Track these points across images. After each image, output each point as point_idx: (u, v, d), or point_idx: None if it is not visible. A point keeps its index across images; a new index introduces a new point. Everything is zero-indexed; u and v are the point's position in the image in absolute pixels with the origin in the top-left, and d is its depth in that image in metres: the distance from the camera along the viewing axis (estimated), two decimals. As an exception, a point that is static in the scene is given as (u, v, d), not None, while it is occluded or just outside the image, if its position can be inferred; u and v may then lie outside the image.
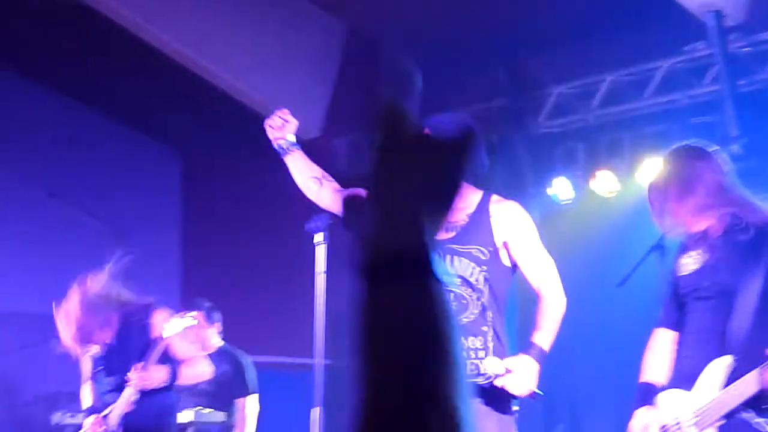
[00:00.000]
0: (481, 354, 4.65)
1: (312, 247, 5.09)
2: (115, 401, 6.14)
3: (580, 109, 9.12)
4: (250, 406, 7.67)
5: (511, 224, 4.84)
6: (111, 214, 9.87)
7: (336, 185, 5.04)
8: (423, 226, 2.72)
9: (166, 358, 6.21)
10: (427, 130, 3.54)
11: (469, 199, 4.83)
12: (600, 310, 8.15)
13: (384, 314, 2.67)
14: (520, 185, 8.63)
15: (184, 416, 7.32)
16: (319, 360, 5.10)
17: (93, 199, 10.01)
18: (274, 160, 9.87)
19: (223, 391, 7.61)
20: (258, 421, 7.79)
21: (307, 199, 5.06)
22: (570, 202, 9.03)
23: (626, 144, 8.82)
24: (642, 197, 4.85)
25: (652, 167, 7.39)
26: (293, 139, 5.15)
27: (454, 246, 4.72)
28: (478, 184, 4.84)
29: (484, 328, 4.70)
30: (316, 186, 5.05)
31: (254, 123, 10.07)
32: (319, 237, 5.06)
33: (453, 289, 4.57)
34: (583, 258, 8.16)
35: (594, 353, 8.80)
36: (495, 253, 4.78)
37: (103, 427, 6.14)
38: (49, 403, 8.95)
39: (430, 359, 2.61)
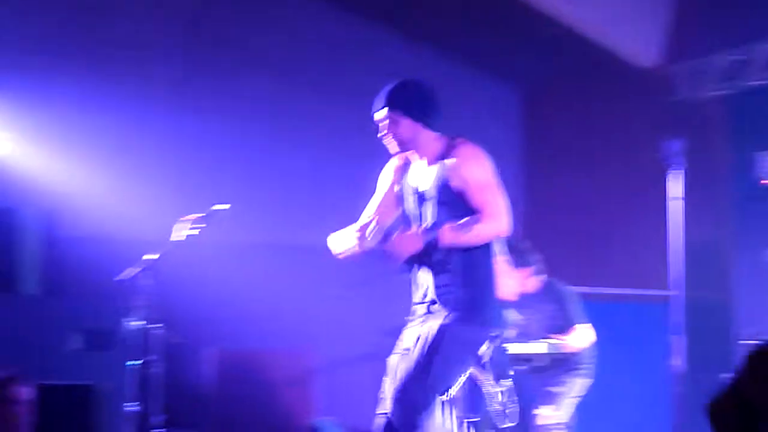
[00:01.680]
0: None
1: (663, 173, 4.89)
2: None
3: None
4: (579, 337, 7.57)
5: None
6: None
7: None
8: None
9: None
10: None
11: None
12: None
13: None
14: None
15: (526, 347, 7.37)
16: (677, 291, 4.94)
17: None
18: (616, 84, 9.63)
19: (550, 325, 7.58)
20: (606, 354, 7.69)
21: (660, 124, 4.87)
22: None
23: None
24: None
25: None
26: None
27: None
28: None
29: None
30: None
31: (593, 51, 9.97)
32: (674, 161, 4.86)
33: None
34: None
35: None
36: None
37: None
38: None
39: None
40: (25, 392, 5.61)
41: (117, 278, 6.80)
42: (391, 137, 5.03)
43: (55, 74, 9.29)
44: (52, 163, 8.75)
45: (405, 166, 5.17)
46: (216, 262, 9.29)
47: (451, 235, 4.84)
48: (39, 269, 7.50)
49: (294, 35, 10.44)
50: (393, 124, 5.01)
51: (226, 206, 7.02)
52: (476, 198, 4.90)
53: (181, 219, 6.85)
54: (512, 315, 7.50)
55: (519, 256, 7.64)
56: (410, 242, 4.86)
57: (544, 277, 7.74)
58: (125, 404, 7.04)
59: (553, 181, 10.91)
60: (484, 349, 4.96)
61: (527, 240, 7.97)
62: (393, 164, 5.22)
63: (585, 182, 10.46)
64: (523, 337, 7.53)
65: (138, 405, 7.35)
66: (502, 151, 11.06)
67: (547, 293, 7.68)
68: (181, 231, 6.85)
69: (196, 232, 6.90)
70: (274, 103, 10.23)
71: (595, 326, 7.57)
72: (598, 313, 7.76)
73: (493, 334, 4.94)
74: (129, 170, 9.44)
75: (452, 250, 4.87)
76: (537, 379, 7.52)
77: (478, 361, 5.07)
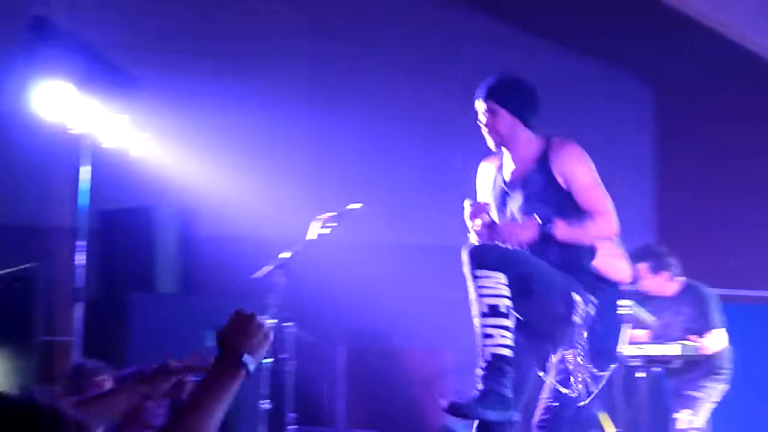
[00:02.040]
0: None
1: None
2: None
3: None
4: (715, 341, 7.44)
5: None
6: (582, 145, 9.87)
7: None
8: None
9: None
10: None
11: None
12: None
13: None
14: None
15: (667, 349, 7.28)
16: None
17: (566, 131, 10.02)
18: (753, 84, 9.44)
19: (688, 327, 7.47)
20: (742, 356, 7.56)
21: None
22: None
23: None
24: None
25: None
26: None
27: None
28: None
29: None
30: None
31: (729, 49, 9.78)
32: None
33: None
34: None
35: None
36: None
37: None
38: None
39: None
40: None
41: (252, 276, 6.90)
42: (487, 130, 5.04)
43: (193, 73, 9.46)
44: (189, 162, 8.90)
45: (499, 166, 5.15)
46: (348, 262, 9.34)
47: (564, 231, 4.84)
48: (176, 268, 7.64)
49: (421, 31, 10.45)
50: (491, 116, 5.02)
51: (359, 206, 7.07)
52: (582, 198, 4.89)
53: (315, 218, 6.92)
54: (647, 317, 7.42)
55: (657, 260, 7.57)
56: (526, 230, 4.85)
57: (683, 280, 7.64)
58: (258, 401, 7.14)
59: (689, 183, 10.75)
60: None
61: (664, 243, 7.88)
62: (487, 164, 5.21)
63: (720, 183, 10.29)
64: (659, 339, 7.44)
65: (270, 402, 7.45)
66: (633, 150, 11.01)
67: (687, 296, 7.58)
68: (314, 230, 6.92)
69: (328, 231, 6.97)
70: (412, 100, 10.25)
71: (731, 328, 7.44)
72: (734, 316, 7.64)
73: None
74: (264, 169, 9.55)
75: (552, 246, 4.86)
76: (675, 383, 7.44)
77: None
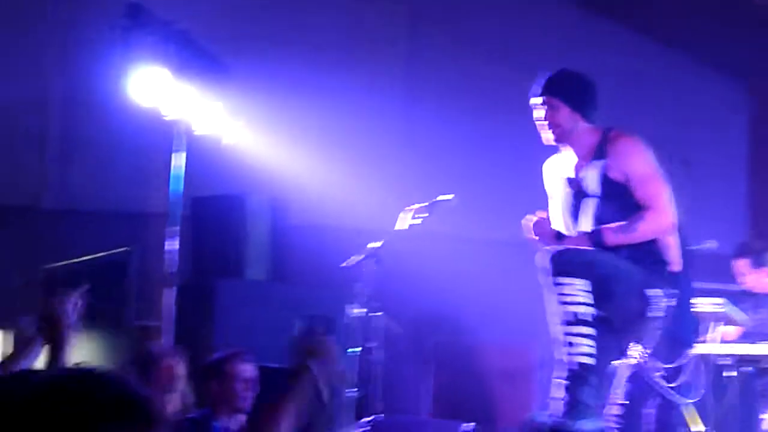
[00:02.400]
0: None
1: None
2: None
3: None
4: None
5: None
6: (678, 145, 9.77)
7: None
8: None
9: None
10: None
11: None
12: None
13: None
14: None
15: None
16: None
17: (659, 130, 9.93)
18: None
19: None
20: None
21: None
22: None
23: None
24: None
25: None
26: None
27: None
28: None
29: None
30: None
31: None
32: None
33: None
34: None
35: None
36: None
37: None
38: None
39: None
40: (248, 370, 5.76)
41: (342, 266, 6.93)
42: (547, 125, 4.98)
43: (287, 62, 9.52)
44: (282, 151, 8.96)
45: (561, 163, 5.09)
46: (438, 254, 9.34)
47: (612, 237, 4.81)
48: (266, 256, 7.69)
49: (527, 25, 10.40)
50: (551, 111, 4.96)
51: (451, 197, 7.06)
52: (639, 191, 4.83)
53: (406, 208, 6.92)
54: (740, 315, 7.30)
55: (757, 255, 7.46)
56: (578, 244, 4.83)
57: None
58: (346, 390, 7.17)
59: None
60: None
61: (763, 239, 7.77)
62: (551, 162, 5.16)
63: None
64: (752, 337, 7.33)
65: (357, 391, 7.48)
66: (728, 146, 10.85)
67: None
68: (404, 220, 6.93)
69: (419, 221, 6.97)
70: (511, 94, 10.20)
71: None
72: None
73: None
74: (357, 159, 9.58)
75: (619, 247, 4.81)
76: (763, 382, 7.32)
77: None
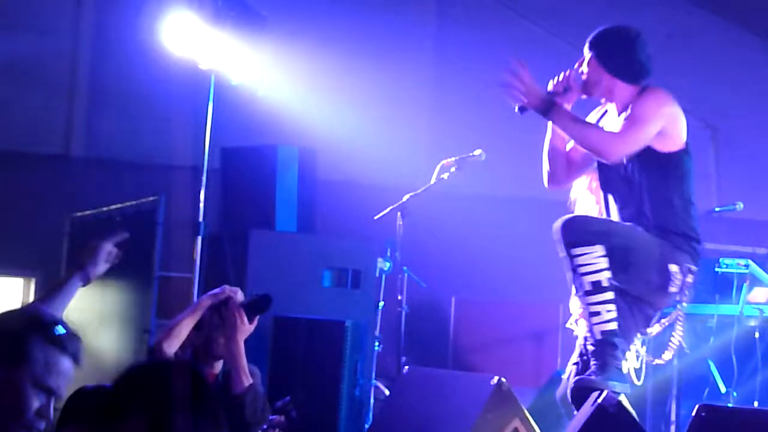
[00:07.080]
0: None
1: None
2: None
3: None
4: None
5: None
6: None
7: None
8: None
9: None
10: None
11: None
12: None
13: None
14: None
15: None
16: None
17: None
18: None
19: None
20: None
21: None
22: None
23: None
24: None
25: None
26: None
27: None
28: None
29: None
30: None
31: None
32: None
33: None
34: None
35: None
36: None
37: None
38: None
39: None
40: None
41: (375, 217, 6.95)
42: (576, 72, 4.96)
43: (322, 15, 9.50)
44: (313, 104, 8.95)
45: (602, 115, 5.06)
46: (466, 212, 9.34)
47: (564, 116, 4.82)
48: (296, 207, 7.69)
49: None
50: (584, 61, 4.94)
51: (479, 152, 7.06)
52: (623, 122, 4.79)
53: (437, 164, 6.93)
54: (767, 278, 7.29)
55: None
56: (534, 92, 4.84)
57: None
58: (373, 342, 7.22)
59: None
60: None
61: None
62: (593, 115, 5.12)
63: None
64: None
65: (382, 344, 7.51)
66: (759, 112, 10.75)
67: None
68: (434, 176, 6.94)
69: (446, 175, 6.98)
70: (542, 52, 10.16)
71: None
72: None
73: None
74: (385, 115, 9.57)
75: (644, 213, 4.79)
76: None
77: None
